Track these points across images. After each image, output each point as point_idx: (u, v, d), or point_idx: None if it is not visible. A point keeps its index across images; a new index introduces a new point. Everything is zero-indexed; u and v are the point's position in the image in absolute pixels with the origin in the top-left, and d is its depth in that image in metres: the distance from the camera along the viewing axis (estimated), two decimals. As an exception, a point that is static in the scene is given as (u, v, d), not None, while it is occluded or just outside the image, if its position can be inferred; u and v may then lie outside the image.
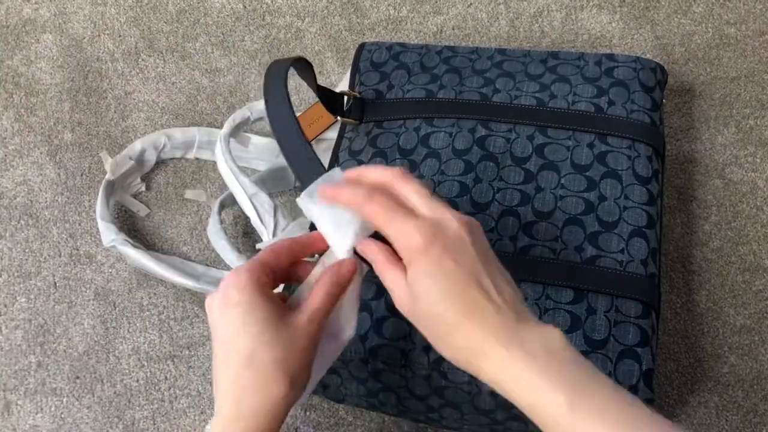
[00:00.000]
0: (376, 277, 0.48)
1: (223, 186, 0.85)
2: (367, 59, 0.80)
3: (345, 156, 0.74)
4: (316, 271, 0.51)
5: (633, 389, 0.59)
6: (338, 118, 0.77)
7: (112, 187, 0.83)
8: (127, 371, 0.75)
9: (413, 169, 0.70)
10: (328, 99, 0.77)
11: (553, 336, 0.44)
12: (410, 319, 0.47)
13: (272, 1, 0.98)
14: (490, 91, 0.75)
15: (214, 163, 0.87)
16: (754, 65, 0.90)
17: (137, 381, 0.75)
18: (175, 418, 0.73)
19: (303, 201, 0.51)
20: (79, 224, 0.84)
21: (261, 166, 0.86)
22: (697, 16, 0.95)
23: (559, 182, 0.68)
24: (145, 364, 0.76)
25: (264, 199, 0.74)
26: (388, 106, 0.76)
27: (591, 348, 0.60)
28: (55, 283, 0.81)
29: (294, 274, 0.52)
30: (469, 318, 0.44)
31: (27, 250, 0.82)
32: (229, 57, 0.95)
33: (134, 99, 0.92)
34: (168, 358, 0.76)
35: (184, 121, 0.91)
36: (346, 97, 0.78)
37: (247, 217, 0.76)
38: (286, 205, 0.85)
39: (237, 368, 0.47)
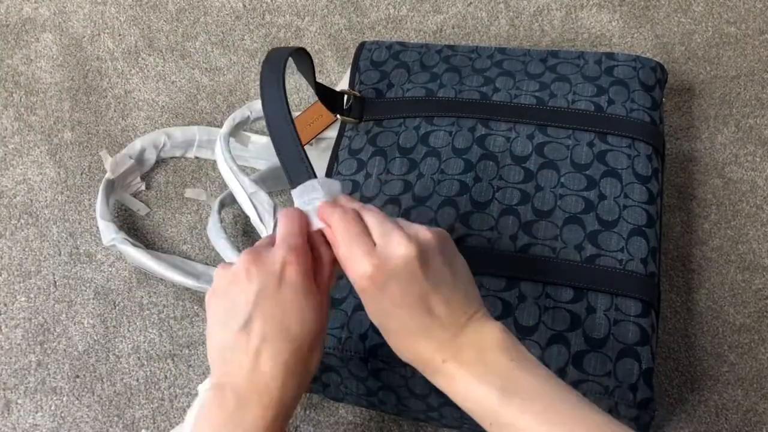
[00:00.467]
0: None
1: (223, 185, 0.85)
2: (367, 58, 0.80)
3: (345, 155, 0.74)
4: None
5: (632, 388, 0.59)
6: (338, 116, 0.77)
7: (112, 186, 0.83)
8: (127, 370, 0.76)
9: (413, 167, 0.70)
10: (328, 98, 0.77)
11: (491, 337, 0.48)
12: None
13: (272, 0, 0.98)
14: (490, 90, 0.75)
15: (214, 162, 0.88)
16: (754, 64, 0.90)
17: (137, 380, 0.75)
18: (175, 417, 0.73)
19: (296, 201, 0.54)
20: (79, 223, 0.84)
21: (261, 165, 0.86)
22: (697, 15, 0.95)
23: (559, 181, 0.68)
24: (145, 363, 0.76)
25: (264, 198, 0.74)
26: (388, 105, 0.76)
27: (591, 347, 0.60)
28: (55, 282, 0.81)
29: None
30: (415, 336, 0.49)
31: (27, 249, 0.82)
32: (228, 56, 0.95)
33: (134, 98, 0.92)
34: (168, 357, 0.76)
35: (184, 120, 0.91)
36: (345, 96, 0.78)
37: (246, 216, 0.76)
38: (285, 204, 0.85)
39: (288, 350, 0.48)
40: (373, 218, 0.49)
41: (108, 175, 0.82)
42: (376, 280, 0.47)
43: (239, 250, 0.76)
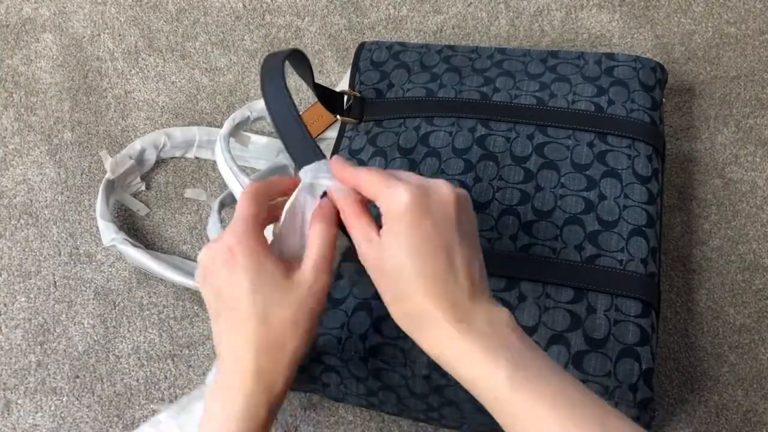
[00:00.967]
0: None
1: (223, 185, 0.85)
2: (367, 58, 0.80)
3: (345, 155, 0.74)
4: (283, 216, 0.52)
5: (633, 388, 0.59)
6: (338, 117, 0.77)
7: (112, 186, 0.83)
8: (127, 370, 0.76)
9: (413, 168, 0.70)
10: (328, 98, 0.76)
11: (501, 316, 0.46)
12: (371, 272, 0.48)
13: (272, 0, 0.98)
14: (490, 90, 0.75)
15: (214, 162, 0.88)
16: (754, 64, 0.90)
17: (137, 380, 0.75)
18: (175, 417, 0.73)
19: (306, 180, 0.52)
20: (79, 223, 0.84)
21: (261, 166, 0.86)
22: (697, 15, 0.95)
23: (559, 181, 0.68)
24: (145, 363, 0.76)
25: (264, 198, 0.74)
26: (388, 105, 0.76)
27: (591, 347, 0.60)
28: (55, 283, 0.81)
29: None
30: (427, 282, 0.45)
31: (27, 249, 0.82)
32: (228, 56, 0.95)
33: (134, 98, 0.92)
34: (168, 357, 0.76)
35: (184, 121, 0.91)
36: (345, 97, 0.78)
37: (246, 217, 0.76)
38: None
39: (253, 329, 0.48)
40: (406, 173, 0.49)
41: (108, 176, 0.82)
42: (413, 209, 0.46)
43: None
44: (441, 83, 0.76)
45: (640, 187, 0.68)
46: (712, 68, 0.90)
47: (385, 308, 0.62)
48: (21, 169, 0.87)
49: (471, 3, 0.97)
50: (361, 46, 0.82)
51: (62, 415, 0.74)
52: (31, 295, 0.80)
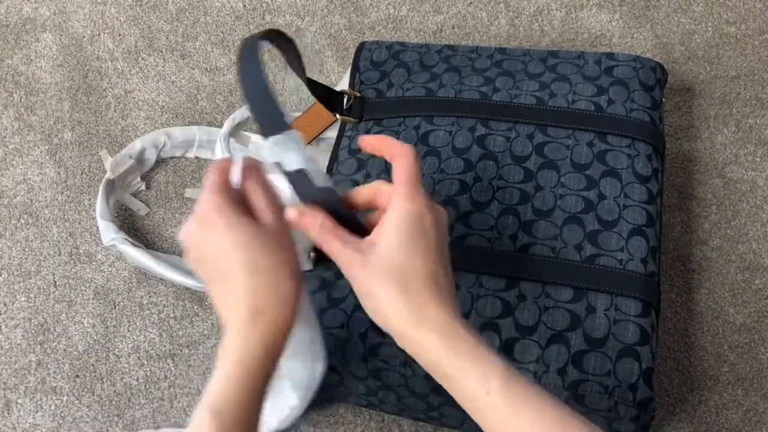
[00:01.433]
0: None
1: (223, 185, 0.85)
2: (367, 58, 0.80)
3: (345, 154, 0.74)
4: None
5: (632, 388, 0.59)
6: (338, 116, 0.77)
7: (112, 186, 0.83)
8: (127, 370, 0.76)
9: (413, 167, 0.70)
10: (328, 98, 0.76)
11: (448, 312, 0.49)
12: (360, 272, 0.49)
13: (272, 0, 0.98)
14: (490, 90, 0.75)
15: (214, 162, 0.88)
16: (753, 64, 0.90)
17: (137, 380, 0.75)
18: (175, 417, 0.73)
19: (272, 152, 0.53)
20: (79, 223, 0.84)
21: (261, 165, 0.86)
22: (697, 15, 0.95)
23: (559, 181, 0.68)
24: (145, 362, 0.76)
25: (264, 198, 0.74)
26: (388, 105, 0.76)
27: (590, 346, 0.60)
28: (55, 282, 0.81)
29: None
30: (428, 278, 0.48)
31: (27, 249, 0.82)
32: (228, 56, 0.95)
33: (134, 98, 0.92)
34: (168, 357, 0.76)
35: (184, 120, 0.91)
36: (345, 96, 0.78)
37: (246, 216, 0.76)
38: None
39: (244, 279, 0.48)
40: None
41: (108, 175, 0.82)
42: (427, 201, 0.49)
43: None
44: (441, 83, 0.76)
45: (640, 186, 0.68)
46: (712, 68, 0.90)
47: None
48: (21, 169, 0.88)
49: (471, 3, 0.97)
50: (361, 46, 0.82)
51: (62, 414, 0.74)
52: (31, 295, 0.80)
